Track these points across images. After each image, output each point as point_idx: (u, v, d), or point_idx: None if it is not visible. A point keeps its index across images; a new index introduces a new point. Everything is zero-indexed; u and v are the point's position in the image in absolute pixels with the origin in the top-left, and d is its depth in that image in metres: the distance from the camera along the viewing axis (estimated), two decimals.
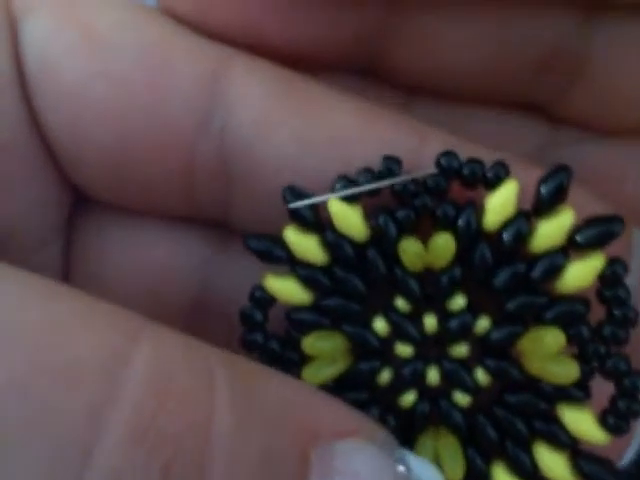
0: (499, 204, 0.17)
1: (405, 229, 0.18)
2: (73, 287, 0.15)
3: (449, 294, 0.18)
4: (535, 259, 0.17)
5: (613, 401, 0.17)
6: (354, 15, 0.19)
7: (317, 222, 0.18)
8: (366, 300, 0.18)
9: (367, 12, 0.19)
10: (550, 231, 0.17)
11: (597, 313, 0.18)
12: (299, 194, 0.18)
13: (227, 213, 0.19)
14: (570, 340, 0.17)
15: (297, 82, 0.19)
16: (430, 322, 0.18)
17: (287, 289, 0.18)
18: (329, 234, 0.18)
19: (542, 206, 0.17)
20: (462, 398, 0.18)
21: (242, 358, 0.16)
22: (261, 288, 0.18)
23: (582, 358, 0.18)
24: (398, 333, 0.18)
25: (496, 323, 0.18)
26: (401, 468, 0.15)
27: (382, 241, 0.18)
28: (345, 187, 0.18)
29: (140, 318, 0.14)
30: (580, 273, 0.17)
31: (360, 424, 0.16)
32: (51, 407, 0.12)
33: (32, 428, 0.12)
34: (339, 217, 0.18)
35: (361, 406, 0.17)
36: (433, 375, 0.18)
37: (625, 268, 0.17)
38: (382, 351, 0.19)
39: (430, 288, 0.18)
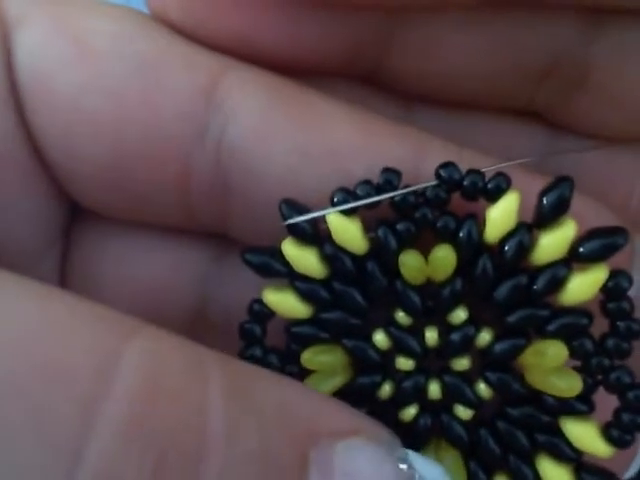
0: (500, 216, 0.17)
1: (405, 241, 0.18)
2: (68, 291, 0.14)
3: (450, 307, 0.18)
4: (537, 271, 0.17)
5: (617, 414, 0.17)
6: (353, 23, 0.19)
7: (315, 235, 0.18)
8: (366, 313, 0.18)
9: (366, 20, 0.19)
10: (552, 243, 0.17)
11: (600, 325, 0.17)
12: (296, 207, 0.18)
13: (225, 225, 0.19)
14: (573, 353, 0.17)
15: (295, 92, 0.18)
16: (431, 335, 0.18)
17: (286, 303, 0.18)
18: (328, 247, 0.18)
19: (544, 218, 0.17)
20: (464, 412, 0.18)
21: (237, 360, 0.15)
22: (260, 302, 0.18)
23: (585, 371, 0.17)
24: (399, 347, 0.18)
25: (498, 336, 0.18)
26: (404, 466, 0.15)
27: (382, 254, 0.18)
28: (344, 199, 0.17)
29: (134, 320, 0.14)
30: (583, 286, 0.17)
31: (361, 424, 0.16)
32: (43, 405, 0.12)
33: (24, 426, 0.12)
34: (338, 230, 0.17)
35: None
36: (434, 389, 0.18)
37: (629, 280, 0.17)
38: (383, 365, 0.18)
39: (431, 301, 0.18)
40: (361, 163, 0.18)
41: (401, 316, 0.18)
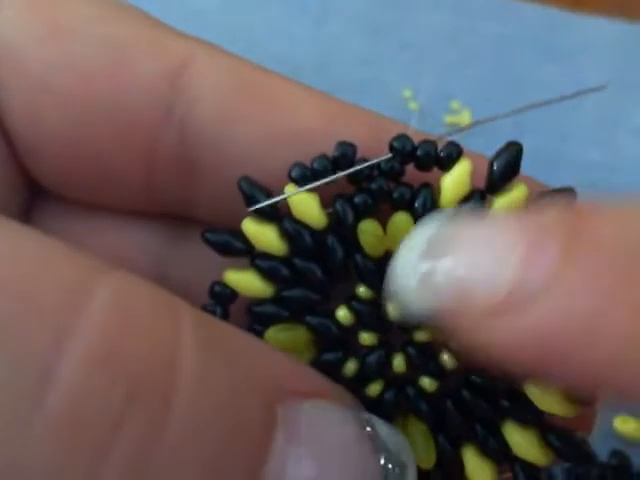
0: (454, 183, 0.17)
1: (363, 214, 0.18)
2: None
3: None
4: None
5: None
6: None
7: (275, 212, 0.18)
8: (328, 289, 0.18)
9: None
10: (505, 206, 0.17)
11: None
12: (255, 185, 0.18)
13: (188, 207, 0.19)
14: None
15: (259, 75, 0.19)
16: (392, 308, 0.18)
17: (247, 282, 0.18)
18: (287, 223, 0.18)
19: (495, 183, 0.17)
20: (429, 383, 0.18)
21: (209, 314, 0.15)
22: (221, 283, 0.18)
23: None
24: (361, 322, 0.18)
25: None
26: (368, 429, 0.15)
27: (340, 227, 0.18)
28: (302, 174, 0.18)
29: (106, 261, 0.14)
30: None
31: (327, 387, 0.16)
32: (12, 326, 0.12)
33: None
34: (297, 205, 0.18)
35: None
36: (398, 362, 0.18)
37: None
38: (346, 341, 0.18)
39: None
40: (324, 144, 0.18)
41: (362, 290, 0.18)
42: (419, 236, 0.14)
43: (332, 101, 0.19)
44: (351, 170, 0.18)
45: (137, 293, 0.14)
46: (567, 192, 0.17)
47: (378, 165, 0.18)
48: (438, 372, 0.18)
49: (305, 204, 0.18)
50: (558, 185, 0.18)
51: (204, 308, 0.18)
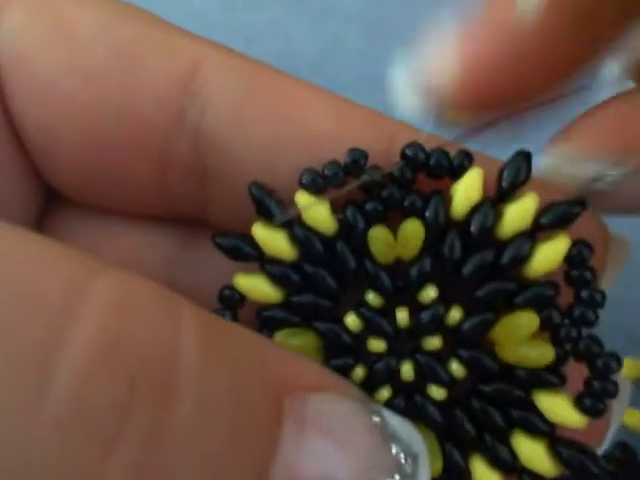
0: (465, 191, 0.17)
1: (373, 221, 0.18)
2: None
3: (420, 286, 0.18)
4: (503, 245, 0.18)
5: (588, 383, 0.17)
6: None
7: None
8: (337, 295, 0.18)
9: None
10: (516, 215, 0.17)
11: (566, 298, 0.18)
12: (265, 190, 0.18)
13: (200, 211, 0.19)
14: (541, 325, 0.18)
15: (272, 78, 0.19)
16: (402, 316, 0.18)
17: (257, 287, 0.18)
18: (298, 229, 0.18)
19: (506, 191, 0.17)
20: (437, 392, 0.18)
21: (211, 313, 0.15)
22: (230, 288, 0.18)
23: (554, 342, 0.18)
24: (370, 328, 0.18)
25: (468, 313, 0.18)
26: (376, 419, 0.15)
27: (351, 234, 0.18)
28: (312, 180, 0.18)
29: (105, 260, 0.14)
30: (547, 256, 0.17)
31: (334, 380, 0.16)
32: (11, 322, 0.12)
33: None
34: (307, 211, 0.18)
35: None
36: (407, 370, 0.18)
37: (590, 249, 0.17)
38: (355, 347, 0.18)
39: (401, 281, 0.18)
40: (336, 149, 0.18)
41: (372, 297, 0.18)
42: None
43: (346, 105, 0.19)
44: (360, 181, 0.18)
45: (136, 289, 0.14)
46: (577, 203, 0.17)
47: (390, 172, 0.18)
48: (447, 380, 0.18)
49: (315, 210, 0.18)
50: None
51: (213, 312, 0.18)
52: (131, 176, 0.19)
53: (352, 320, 0.18)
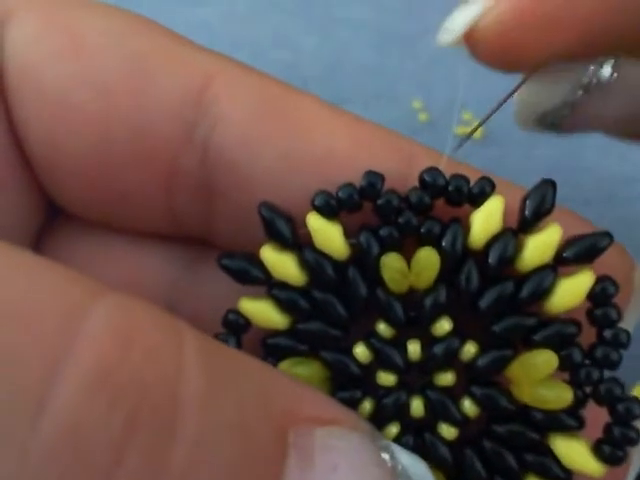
0: (485, 220, 0.17)
1: (388, 248, 0.17)
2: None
3: (434, 317, 0.17)
4: (523, 278, 0.17)
5: (608, 429, 0.17)
6: None
7: (295, 240, 0.17)
8: (347, 324, 0.18)
9: None
10: (538, 247, 0.16)
11: (587, 337, 0.17)
12: (276, 211, 0.17)
13: (206, 230, 0.19)
14: (561, 364, 0.17)
15: (286, 96, 0.18)
16: (414, 348, 0.17)
17: (262, 312, 0.17)
18: (308, 252, 0.17)
19: (528, 221, 0.17)
20: (448, 431, 0.17)
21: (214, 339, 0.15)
22: (235, 312, 0.17)
23: (574, 383, 0.17)
24: (380, 360, 0.17)
25: (484, 348, 0.17)
26: (385, 456, 0.14)
27: (364, 260, 0.17)
28: (325, 202, 0.17)
29: (104, 284, 0.13)
30: (569, 291, 0.16)
31: (342, 413, 0.15)
32: (5, 350, 0.12)
33: None
34: (319, 234, 0.17)
35: None
36: (417, 406, 0.17)
37: (615, 286, 0.16)
38: (363, 380, 0.18)
39: (414, 312, 0.17)
40: (349, 171, 0.17)
41: (383, 327, 0.17)
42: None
43: (361, 125, 0.18)
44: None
45: (136, 315, 0.13)
46: (603, 235, 0.16)
47: (406, 197, 0.17)
48: (459, 419, 0.17)
49: (328, 233, 0.17)
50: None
51: (216, 337, 0.17)
52: (137, 192, 0.18)
53: (361, 351, 0.17)
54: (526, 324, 0.17)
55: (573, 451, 0.17)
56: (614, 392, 0.16)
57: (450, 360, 0.17)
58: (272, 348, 0.17)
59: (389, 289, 0.17)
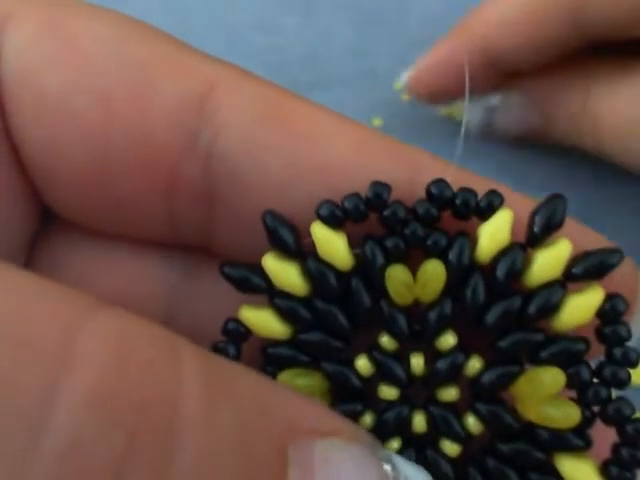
0: (493, 233, 0.16)
1: (393, 259, 0.17)
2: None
3: (438, 331, 0.17)
4: (531, 293, 0.16)
5: (616, 449, 0.16)
6: None
7: (298, 249, 0.17)
8: (349, 336, 0.17)
9: None
10: (547, 262, 0.16)
11: (596, 354, 0.17)
12: (280, 219, 0.17)
13: (207, 238, 0.18)
14: (568, 382, 0.16)
15: (288, 102, 0.18)
16: (417, 362, 0.17)
17: (263, 321, 0.17)
18: (311, 262, 0.17)
19: (537, 236, 0.16)
20: (451, 447, 0.17)
21: (212, 353, 0.14)
22: (235, 320, 0.17)
23: (581, 402, 0.16)
24: (382, 373, 0.17)
25: (489, 364, 0.17)
26: (387, 467, 0.14)
27: (368, 271, 0.17)
28: (330, 212, 0.16)
29: (100, 299, 0.13)
30: (578, 308, 0.16)
31: (342, 424, 0.15)
32: (2, 371, 0.11)
33: None
34: (323, 243, 0.16)
35: None
36: (419, 421, 0.17)
37: (625, 303, 0.16)
38: (364, 393, 0.17)
39: (418, 325, 0.17)
40: (354, 180, 0.17)
41: (386, 340, 0.17)
42: None
43: (367, 133, 0.18)
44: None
45: (134, 333, 0.13)
46: (613, 252, 0.16)
47: (413, 208, 0.17)
48: (462, 436, 0.17)
49: (332, 243, 0.17)
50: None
51: (216, 345, 0.17)
52: (136, 200, 0.17)
53: (363, 363, 0.17)
54: (533, 340, 0.16)
55: (579, 472, 0.16)
56: (623, 412, 0.16)
57: (454, 375, 0.17)
58: (272, 357, 0.17)
59: (393, 301, 0.17)
